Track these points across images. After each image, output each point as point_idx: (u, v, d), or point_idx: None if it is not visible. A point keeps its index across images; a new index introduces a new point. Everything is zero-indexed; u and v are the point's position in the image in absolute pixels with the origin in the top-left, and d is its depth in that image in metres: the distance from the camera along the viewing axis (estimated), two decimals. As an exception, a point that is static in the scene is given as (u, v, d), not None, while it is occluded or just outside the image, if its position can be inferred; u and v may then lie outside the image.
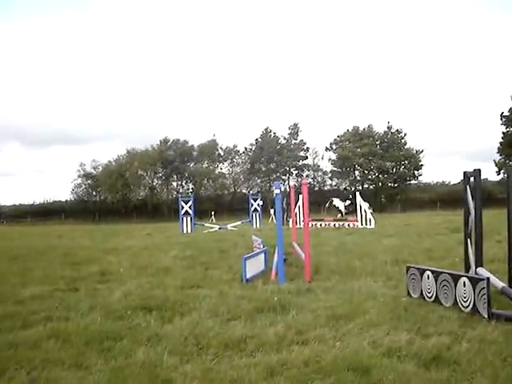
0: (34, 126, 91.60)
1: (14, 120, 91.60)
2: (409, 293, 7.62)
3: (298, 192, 19.67)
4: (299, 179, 62.12)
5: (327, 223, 27.11)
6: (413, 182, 61.88)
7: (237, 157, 65.98)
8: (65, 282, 9.98)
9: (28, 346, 5.60)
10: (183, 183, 66.66)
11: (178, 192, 62.62)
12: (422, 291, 7.34)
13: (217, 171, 65.49)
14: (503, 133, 54.86)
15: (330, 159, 62.78)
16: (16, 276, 10.84)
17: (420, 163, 59.77)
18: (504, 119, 54.77)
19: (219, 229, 27.20)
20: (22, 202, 69.93)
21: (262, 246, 12.19)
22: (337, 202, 32.34)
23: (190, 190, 61.87)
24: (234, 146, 65.86)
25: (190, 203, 27.11)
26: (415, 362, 4.72)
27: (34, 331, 6.22)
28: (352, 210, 30.72)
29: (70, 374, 4.72)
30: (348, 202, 31.55)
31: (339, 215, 30.90)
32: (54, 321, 6.72)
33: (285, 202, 26.92)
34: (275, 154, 61.89)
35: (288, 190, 27.91)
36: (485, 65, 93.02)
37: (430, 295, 7.15)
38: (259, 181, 64.67)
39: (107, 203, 61.80)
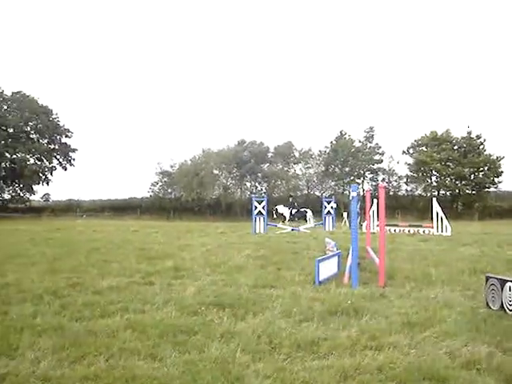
0: (115, 125, 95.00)
1: (97, 118, 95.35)
2: (488, 304, 7.33)
3: (373, 196, 19.35)
4: (373, 183, 61.18)
5: (401, 229, 26.58)
6: (492, 189, 59.58)
7: (311, 159, 65.73)
8: (140, 275, 10.26)
9: (106, 334, 5.81)
10: (257, 184, 67.00)
11: (251, 192, 62.98)
12: (502, 303, 7.05)
13: (291, 173, 65.46)
14: None
15: (406, 163, 61.53)
16: (95, 267, 11.23)
17: (500, 170, 57.52)
18: None
19: (292, 230, 27.17)
20: (100, 198, 72.35)
21: (335, 249, 12.10)
22: (281, 208, 32.50)
23: (264, 191, 62.10)
24: (309, 149, 65.68)
25: (264, 203, 27.19)
26: (496, 377, 4.54)
27: (112, 321, 6.44)
28: (299, 217, 31.84)
29: (146, 364, 4.86)
30: (295, 209, 32.13)
31: (282, 221, 31.35)
32: (131, 312, 6.93)
33: (358, 205, 26.58)
34: (350, 157, 61.17)
35: (362, 193, 27.58)
36: None
37: (511, 308, 6.85)
38: (333, 183, 64.11)
39: (182, 201, 62.85)
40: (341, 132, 63.73)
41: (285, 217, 31.46)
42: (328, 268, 9.98)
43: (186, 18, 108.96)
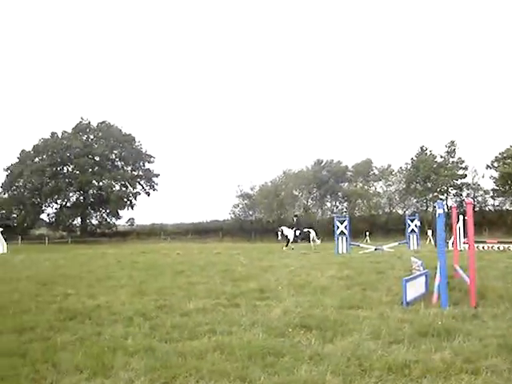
0: (196, 149, 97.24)
1: (177, 142, 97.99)
2: None
3: (458, 212, 18.68)
4: (457, 198, 59.29)
5: (490, 245, 25.53)
6: None
7: (391, 176, 64.61)
8: (226, 297, 10.34)
9: (195, 356, 5.88)
10: (337, 203, 66.51)
11: (332, 212, 62.62)
12: None
13: (371, 191, 64.58)
14: None
15: (491, 177, 59.26)
16: (181, 290, 11.44)
17: None
18: None
19: (375, 250, 26.68)
20: (183, 221, 73.93)
21: (421, 269, 11.76)
22: (285, 230, 31.24)
23: (344, 210, 61.51)
24: (389, 166, 64.59)
25: (346, 223, 26.88)
26: None
27: (200, 342, 6.53)
28: (303, 238, 30.67)
29: (236, 386, 4.87)
30: (298, 231, 30.97)
31: (286, 245, 30.18)
32: (218, 334, 7.00)
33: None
34: (431, 173, 59.63)
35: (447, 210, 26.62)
36: None
37: None
38: (415, 200, 62.64)
39: (263, 222, 63.31)
40: (421, 148, 62.32)
41: (289, 239, 30.82)
42: (415, 288, 9.70)
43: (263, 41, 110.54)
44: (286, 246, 30.07)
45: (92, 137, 70.91)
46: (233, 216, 68.57)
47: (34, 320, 8.10)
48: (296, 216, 35.13)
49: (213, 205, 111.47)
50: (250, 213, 68.38)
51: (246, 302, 9.59)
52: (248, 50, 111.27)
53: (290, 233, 30.95)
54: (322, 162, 66.17)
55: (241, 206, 68.41)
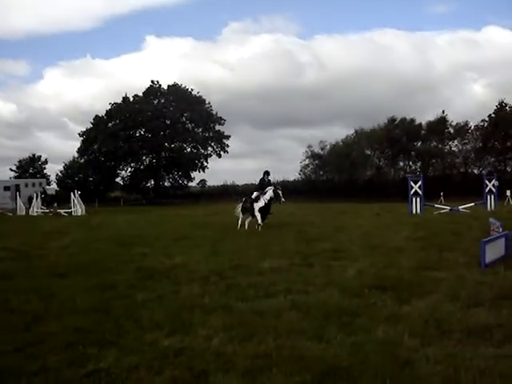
0: (262, 111, 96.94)
1: (247, 104, 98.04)
2: None
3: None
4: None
5: None
6: None
7: (468, 134, 62.27)
8: (300, 257, 10.41)
9: (272, 314, 5.96)
10: (410, 163, 64.97)
11: (405, 172, 61.27)
12: None
13: (446, 150, 62.60)
14: None
15: None
16: (256, 250, 11.58)
17: None
18: None
19: (450, 210, 26.00)
20: (253, 182, 74.20)
21: (501, 230, 11.39)
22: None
23: (418, 170, 60.10)
24: (465, 123, 62.15)
25: (420, 183, 26.24)
26: None
27: (276, 301, 6.62)
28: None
29: (313, 344, 4.91)
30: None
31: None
32: (294, 293, 7.07)
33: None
34: (511, 130, 57.05)
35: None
36: None
37: None
38: (492, 160, 60.32)
39: (334, 183, 62.84)
40: (500, 103, 59.57)
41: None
42: (495, 250, 9.40)
43: None
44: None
45: (163, 100, 71.69)
46: (303, 177, 68.34)
47: (115, 279, 8.41)
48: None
49: (282, 166, 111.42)
50: (321, 173, 67.93)
51: (320, 262, 9.63)
52: None
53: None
54: (396, 120, 64.51)
55: (311, 166, 68.01)
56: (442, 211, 25.95)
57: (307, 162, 67.98)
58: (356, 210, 28.37)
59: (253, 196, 17.70)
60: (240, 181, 74.95)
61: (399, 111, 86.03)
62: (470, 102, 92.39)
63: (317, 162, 67.32)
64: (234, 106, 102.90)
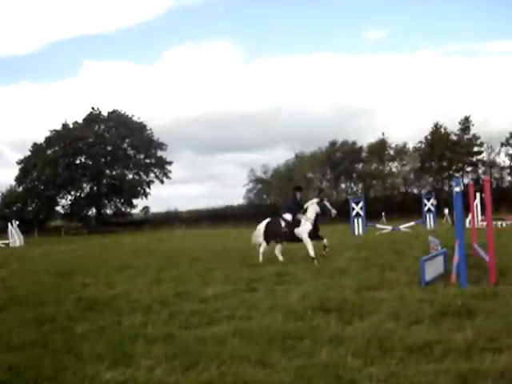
0: (204, 136, 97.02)
1: (187, 130, 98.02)
2: None
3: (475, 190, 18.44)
4: (473, 176, 58.83)
5: (508, 223, 25.32)
6: None
7: (406, 156, 64.12)
8: (244, 282, 10.36)
9: (215, 341, 5.88)
10: (352, 184, 66.29)
11: (347, 193, 62.41)
12: None
13: (386, 171, 64.21)
14: None
15: (507, 154, 58.71)
16: (198, 276, 11.49)
17: None
18: None
19: (392, 230, 26.57)
20: (197, 207, 74.05)
21: (439, 248, 11.69)
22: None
23: (359, 191, 61.29)
24: (404, 145, 64.05)
25: (361, 204, 26.81)
26: None
27: (219, 328, 6.53)
28: None
29: (257, 370, 4.86)
30: None
31: None
32: (237, 319, 7.00)
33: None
34: (447, 151, 59.15)
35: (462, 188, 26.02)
36: None
37: None
38: (430, 179, 62.31)
39: (277, 206, 63.29)
40: (435, 125, 61.75)
41: None
42: (434, 267, 9.63)
43: None
44: None
45: (103, 126, 71.07)
46: (247, 201, 68.66)
47: (54, 311, 8.16)
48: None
49: (225, 191, 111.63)
50: (265, 197, 68.39)
51: (264, 287, 9.60)
52: None
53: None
54: (336, 143, 65.83)
55: (255, 190, 68.44)
56: (383, 231, 26.52)
57: (251, 186, 68.45)
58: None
59: (286, 217, 13.98)
60: (183, 207, 74.77)
61: (340, 134, 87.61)
62: (408, 124, 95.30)
63: (260, 186, 67.81)
64: (175, 131, 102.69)
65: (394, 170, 64.64)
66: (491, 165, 60.49)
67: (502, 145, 59.01)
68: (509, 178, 60.06)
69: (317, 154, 65.29)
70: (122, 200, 72.18)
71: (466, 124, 60.69)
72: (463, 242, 9.19)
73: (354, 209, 26.74)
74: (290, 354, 5.30)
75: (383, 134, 64.66)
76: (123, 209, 73.52)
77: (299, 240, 13.77)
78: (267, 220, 14.42)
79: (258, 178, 67.99)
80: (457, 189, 9.22)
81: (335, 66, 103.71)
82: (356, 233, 25.99)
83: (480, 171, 60.40)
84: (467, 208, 16.09)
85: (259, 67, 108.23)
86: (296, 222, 13.70)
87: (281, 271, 11.50)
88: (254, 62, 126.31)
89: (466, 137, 60.70)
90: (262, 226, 14.33)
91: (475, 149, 60.33)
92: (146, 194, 72.04)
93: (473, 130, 60.65)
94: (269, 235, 14.02)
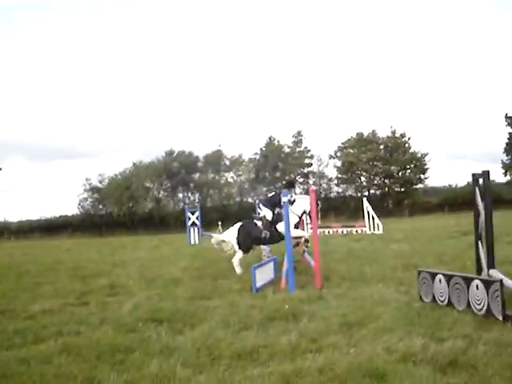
0: (36, 140, 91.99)
1: (16, 134, 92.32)
2: (421, 297, 7.55)
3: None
4: (305, 187, 62.00)
5: (335, 230, 26.99)
6: (419, 185, 61.48)
7: (242, 166, 65.92)
8: (75, 295, 9.98)
9: (40, 361, 5.58)
10: (189, 194, 66.62)
11: (184, 203, 62.51)
12: (434, 295, 7.27)
13: (222, 181, 65.45)
14: (509, 133, 54.75)
15: (334, 166, 62.78)
16: (26, 291, 10.83)
17: (426, 167, 59.42)
18: (509, 120, 54.63)
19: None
20: (28, 218, 69.78)
21: (270, 255, 12.16)
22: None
23: (197, 201, 61.79)
24: (240, 156, 65.84)
25: (197, 214, 27.02)
26: (431, 367, 4.66)
27: (46, 346, 6.21)
28: None
29: (82, 388, 4.69)
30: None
31: None
32: (65, 335, 6.72)
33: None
34: (280, 162, 61.85)
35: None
36: (488, 65, 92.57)
37: (442, 299, 7.08)
38: (265, 189, 64.58)
39: (113, 216, 61.74)
40: (270, 138, 64.36)
41: None
42: (264, 274, 10.00)
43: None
44: None
45: None
46: (82, 211, 66.05)
47: None
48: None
49: (60, 200, 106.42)
50: (100, 207, 66.32)
51: (95, 300, 9.32)
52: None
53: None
54: (174, 153, 65.86)
55: (90, 200, 66.07)
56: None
57: (85, 195, 65.99)
58: (136, 244, 28.07)
59: (266, 216, 11.86)
60: (13, 217, 70.11)
61: (177, 144, 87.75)
62: (244, 136, 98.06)
63: (96, 195, 65.66)
64: (3, 137, 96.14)
65: (230, 180, 66.08)
66: (320, 176, 64.21)
67: (330, 157, 62.97)
68: (336, 189, 64.11)
69: (154, 163, 64.79)
70: None
71: (298, 137, 63.88)
72: (291, 250, 9.63)
73: (189, 218, 26.83)
74: (120, 367, 5.19)
75: (220, 145, 65.95)
76: None
77: (279, 240, 11.67)
78: (239, 224, 12.28)
79: (93, 186, 65.71)
80: (284, 199, 9.68)
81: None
82: (192, 242, 26.13)
83: (310, 182, 63.81)
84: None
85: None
86: (278, 217, 11.55)
87: (114, 282, 11.24)
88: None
89: (298, 149, 63.86)
90: (233, 232, 12.11)
91: (306, 161, 63.68)
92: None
93: (304, 143, 64.00)
94: (246, 241, 11.75)
